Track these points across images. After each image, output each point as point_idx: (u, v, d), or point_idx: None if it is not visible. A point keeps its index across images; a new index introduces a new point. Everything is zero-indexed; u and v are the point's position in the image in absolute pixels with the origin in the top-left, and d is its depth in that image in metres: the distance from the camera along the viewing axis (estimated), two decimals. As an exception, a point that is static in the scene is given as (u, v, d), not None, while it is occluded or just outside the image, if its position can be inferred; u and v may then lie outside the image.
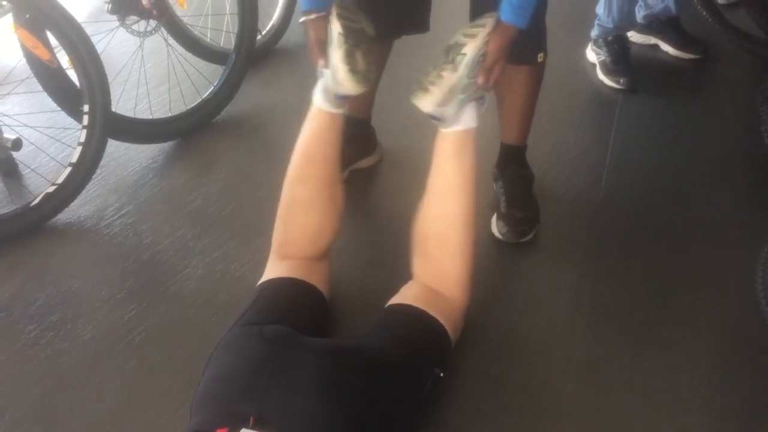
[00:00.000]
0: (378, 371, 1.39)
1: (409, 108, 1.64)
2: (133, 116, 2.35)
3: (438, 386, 1.48)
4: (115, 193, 2.18)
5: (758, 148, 2.28)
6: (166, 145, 2.40)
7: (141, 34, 2.29)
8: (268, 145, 2.42)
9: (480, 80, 1.56)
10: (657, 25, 2.84)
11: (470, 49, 1.54)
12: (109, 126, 2.14)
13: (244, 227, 2.03)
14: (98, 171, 2.15)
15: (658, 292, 1.81)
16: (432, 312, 1.55)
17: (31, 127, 2.29)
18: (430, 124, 1.65)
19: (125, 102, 2.46)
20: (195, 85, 2.56)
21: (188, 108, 2.45)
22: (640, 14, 2.79)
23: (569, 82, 2.70)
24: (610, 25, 2.65)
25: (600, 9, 2.67)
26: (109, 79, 2.13)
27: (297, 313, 1.56)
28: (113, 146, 2.28)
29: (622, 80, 2.62)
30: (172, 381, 1.59)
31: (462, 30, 1.58)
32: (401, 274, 1.72)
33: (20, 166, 2.28)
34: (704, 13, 2.75)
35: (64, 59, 2.11)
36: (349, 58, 1.60)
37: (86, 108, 2.07)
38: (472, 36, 1.55)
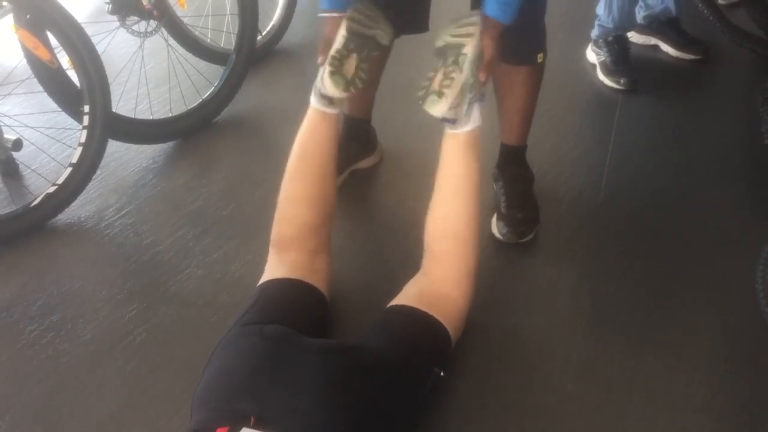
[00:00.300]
0: (378, 371, 1.39)
1: (409, 108, 1.65)
2: (133, 117, 2.35)
3: (438, 386, 1.48)
4: (115, 193, 2.18)
5: (758, 148, 2.28)
6: (167, 146, 2.40)
7: (141, 35, 2.29)
8: (269, 145, 2.42)
9: (482, 77, 1.56)
10: (657, 25, 2.84)
11: (470, 48, 1.55)
12: (110, 126, 2.14)
13: (244, 227, 2.03)
14: (98, 171, 2.15)
15: (658, 292, 1.81)
16: (433, 312, 1.55)
17: (31, 128, 2.30)
18: (429, 124, 1.65)
19: (126, 102, 2.46)
20: (195, 85, 2.56)
21: (189, 108, 2.45)
22: (640, 15, 2.79)
23: (569, 83, 2.70)
24: (611, 26, 2.65)
25: (600, 9, 2.67)
26: (110, 80, 2.13)
27: (297, 313, 1.56)
28: (113, 147, 2.28)
29: (622, 81, 2.62)
30: (172, 381, 1.59)
31: (449, 31, 1.59)
32: (401, 274, 1.72)
33: (21, 166, 2.28)
34: (705, 11, 2.75)
35: (64, 60, 2.11)
36: (338, 60, 1.61)
37: (87, 108, 2.08)
38: (468, 35, 1.56)
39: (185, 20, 2.67)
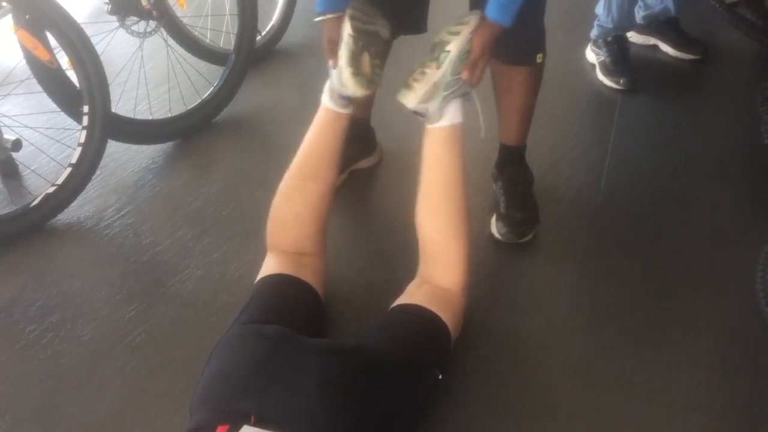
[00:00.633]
0: (378, 371, 1.39)
1: (409, 109, 1.64)
2: (132, 117, 2.35)
3: (437, 387, 1.48)
4: (114, 193, 2.18)
5: (758, 148, 2.28)
6: (166, 146, 2.40)
7: (141, 35, 2.29)
8: (268, 145, 2.42)
9: (463, 76, 1.57)
10: (656, 25, 2.84)
11: (454, 46, 1.56)
12: (109, 127, 2.14)
13: (243, 227, 2.03)
14: (98, 172, 2.15)
15: (658, 292, 1.82)
16: (436, 310, 1.56)
17: (30, 128, 2.30)
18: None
19: (125, 103, 2.46)
20: (195, 85, 2.56)
21: (188, 109, 2.45)
22: (639, 15, 2.79)
23: (569, 83, 2.70)
24: (610, 26, 2.65)
25: (599, 9, 2.67)
26: (109, 80, 2.13)
27: (293, 311, 1.57)
28: (113, 147, 2.28)
29: (621, 80, 2.62)
30: (172, 381, 1.59)
31: (447, 27, 1.60)
32: (400, 274, 1.73)
33: (20, 166, 2.28)
34: (712, 1, 2.75)
35: (63, 60, 2.11)
36: (354, 60, 1.62)
37: (86, 109, 2.08)
38: (456, 33, 1.56)
39: (185, 20, 2.67)
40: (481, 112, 1.68)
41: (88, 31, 2.08)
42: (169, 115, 2.44)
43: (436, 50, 1.59)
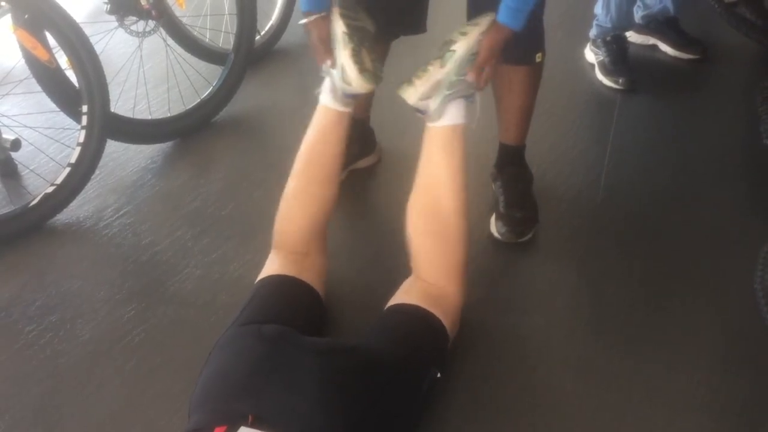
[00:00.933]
0: (377, 371, 1.39)
1: (408, 108, 1.64)
2: (132, 116, 2.35)
3: (436, 386, 1.48)
4: (114, 193, 2.18)
5: (757, 147, 2.28)
6: (165, 146, 2.40)
7: (140, 35, 2.29)
8: (267, 145, 2.41)
9: (469, 77, 1.56)
10: (655, 25, 2.84)
11: (460, 46, 1.55)
12: (108, 126, 2.14)
13: (242, 227, 2.03)
14: (97, 171, 2.15)
15: (658, 292, 1.82)
16: (432, 309, 1.55)
17: (30, 128, 2.29)
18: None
19: (124, 102, 2.46)
20: (194, 85, 2.56)
21: (187, 108, 2.45)
22: (638, 14, 2.79)
23: (568, 82, 2.70)
24: (609, 26, 2.65)
25: (598, 9, 2.67)
26: (108, 80, 2.13)
27: (293, 312, 1.57)
28: (112, 147, 2.28)
29: (620, 80, 2.62)
30: (171, 381, 1.59)
31: (461, 27, 1.59)
32: (399, 273, 1.72)
33: (19, 166, 2.28)
34: (711, 1, 2.75)
35: (62, 60, 2.10)
36: (357, 56, 1.62)
37: (85, 108, 2.07)
38: (465, 34, 1.56)
39: (184, 20, 2.67)
40: (478, 106, 1.68)
41: (87, 30, 2.08)
42: (168, 114, 2.44)
43: (441, 49, 1.58)
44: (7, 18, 1.98)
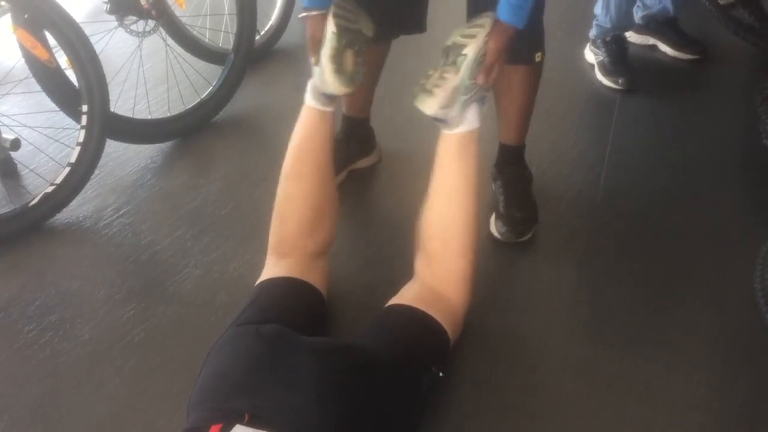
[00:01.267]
0: (374, 370, 1.39)
1: (408, 108, 1.64)
2: (131, 116, 2.35)
3: (437, 386, 1.48)
4: (113, 193, 2.18)
5: (757, 148, 2.28)
6: (165, 146, 2.40)
7: (140, 34, 2.29)
8: (267, 145, 2.41)
9: (480, 80, 1.56)
10: (655, 25, 2.84)
11: (471, 50, 1.54)
12: (108, 126, 2.14)
13: (242, 227, 2.03)
14: (97, 171, 2.15)
15: (657, 292, 1.82)
16: (431, 312, 1.55)
17: (29, 127, 2.29)
18: (428, 124, 1.65)
19: (124, 102, 2.46)
20: (194, 85, 2.56)
21: (187, 108, 2.45)
22: (638, 15, 2.79)
23: (568, 83, 2.70)
24: (608, 26, 2.65)
25: (598, 9, 2.67)
26: (108, 79, 2.13)
27: (295, 313, 1.56)
28: (112, 146, 2.28)
29: (620, 80, 2.62)
30: (171, 381, 1.59)
31: (459, 31, 1.58)
32: (399, 273, 1.72)
33: (19, 166, 2.28)
34: (707, 4, 2.75)
35: (62, 59, 2.10)
36: (337, 58, 1.62)
37: (85, 108, 2.07)
38: (472, 36, 1.55)
39: (184, 20, 2.67)
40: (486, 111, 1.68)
41: (87, 30, 2.08)
42: (168, 114, 2.44)
43: (451, 54, 1.56)
44: (7, 17, 1.98)
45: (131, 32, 2.27)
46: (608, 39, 2.68)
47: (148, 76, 2.58)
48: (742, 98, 2.58)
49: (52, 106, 2.20)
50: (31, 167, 2.26)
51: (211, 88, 2.51)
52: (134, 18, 2.25)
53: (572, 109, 2.57)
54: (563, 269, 1.89)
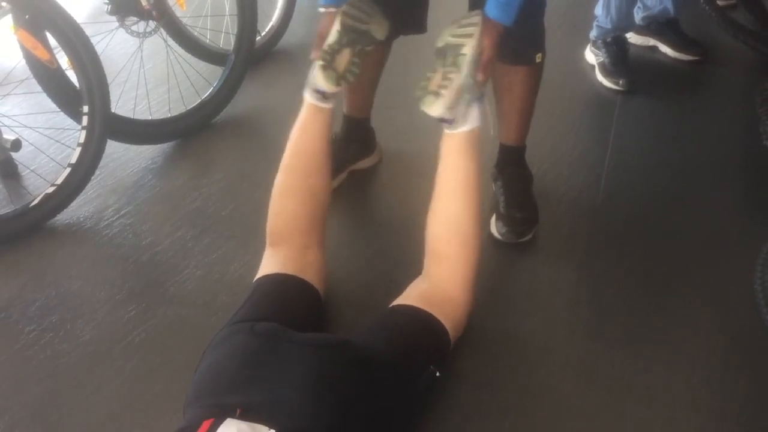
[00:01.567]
0: (369, 366, 1.39)
1: (409, 109, 1.65)
2: (132, 117, 2.35)
3: (435, 386, 1.48)
4: (114, 193, 2.18)
5: (757, 149, 2.28)
6: (166, 146, 2.40)
7: (140, 35, 2.29)
8: (268, 146, 2.41)
9: (479, 77, 1.56)
10: (656, 26, 2.84)
11: (469, 48, 1.55)
12: (109, 127, 2.14)
13: (243, 228, 2.03)
14: (97, 172, 2.15)
15: (657, 293, 1.82)
16: (434, 312, 1.55)
17: (30, 128, 2.30)
18: (429, 125, 1.65)
19: (124, 103, 2.46)
20: (194, 86, 2.56)
21: (188, 109, 2.45)
22: (638, 16, 2.79)
23: (568, 83, 2.70)
24: (609, 27, 2.66)
25: (599, 10, 2.68)
26: (109, 80, 2.13)
27: (291, 310, 1.57)
28: (112, 147, 2.28)
29: (621, 81, 2.62)
30: (171, 382, 1.59)
31: (449, 31, 1.59)
32: (400, 273, 1.72)
33: (19, 166, 2.28)
34: (707, 8, 2.75)
35: (63, 60, 2.10)
36: (330, 54, 1.62)
37: (85, 109, 2.07)
38: (468, 36, 1.56)
39: (184, 21, 2.67)
40: (489, 112, 1.67)
41: (88, 31, 2.08)
42: (169, 115, 2.44)
43: (449, 55, 1.57)
44: (8, 18, 1.98)
45: (132, 33, 2.27)
46: (609, 40, 2.69)
47: (148, 76, 2.59)
48: (742, 99, 2.58)
49: (53, 106, 2.20)
50: (31, 168, 2.26)
51: (212, 88, 2.51)
52: (135, 19, 2.25)
53: (573, 110, 2.57)
54: (563, 270, 1.89)
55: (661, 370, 1.61)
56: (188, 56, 2.67)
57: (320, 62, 1.64)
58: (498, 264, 1.91)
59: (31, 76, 2.14)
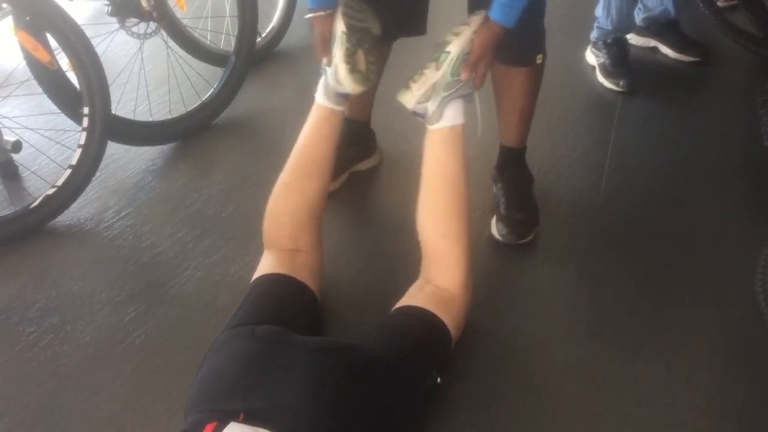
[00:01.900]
0: (371, 370, 1.39)
1: (408, 111, 1.64)
2: (132, 118, 2.35)
3: (435, 388, 1.48)
4: (114, 195, 2.18)
5: (758, 150, 2.28)
6: (166, 148, 2.40)
7: (141, 37, 2.29)
8: (268, 147, 2.42)
9: (463, 76, 1.57)
10: (656, 27, 2.84)
11: (454, 47, 1.56)
12: (109, 128, 2.14)
13: (243, 229, 2.03)
14: (98, 173, 2.15)
15: (658, 294, 1.81)
16: (439, 313, 1.56)
17: (30, 130, 2.30)
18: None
19: (125, 104, 2.46)
20: (195, 87, 2.56)
21: (188, 110, 2.45)
22: (639, 17, 2.79)
23: (569, 84, 2.70)
24: (609, 28, 2.66)
25: (599, 11, 2.67)
26: (109, 82, 2.13)
27: (287, 310, 1.57)
28: (113, 148, 2.28)
29: (621, 82, 2.62)
30: (172, 383, 1.59)
31: (452, 28, 1.60)
32: (400, 275, 1.72)
33: (20, 168, 2.28)
34: (707, 12, 2.75)
35: (64, 61, 2.11)
36: (350, 57, 1.63)
37: (86, 110, 2.07)
38: (458, 34, 1.56)
39: (185, 22, 2.67)
40: (479, 112, 1.68)
41: (89, 32, 2.08)
42: (169, 116, 2.44)
43: (436, 50, 1.59)
44: (9, 20, 1.99)
45: (132, 34, 2.27)
46: (609, 41, 2.68)
47: (149, 78, 2.59)
48: (742, 100, 2.58)
49: (54, 108, 2.20)
50: (32, 169, 2.27)
51: (213, 90, 2.51)
52: (135, 20, 2.26)
53: (573, 111, 2.57)
54: (564, 271, 1.88)
55: (661, 371, 1.61)
56: (189, 57, 2.68)
57: (347, 66, 1.62)
58: (498, 265, 1.91)
59: (32, 77, 2.14)
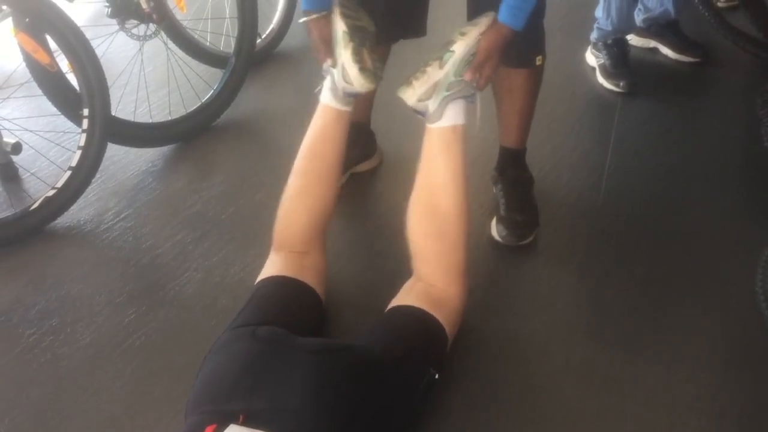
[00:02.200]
0: (370, 371, 1.39)
1: (409, 112, 1.64)
2: (132, 120, 2.35)
3: (434, 387, 1.48)
4: (114, 196, 2.18)
5: (758, 150, 2.28)
6: (166, 149, 2.40)
7: (141, 38, 2.29)
8: (268, 148, 2.42)
9: (467, 77, 1.56)
10: (656, 28, 2.84)
11: (459, 47, 1.55)
12: (109, 130, 2.14)
13: (243, 231, 2.03)
14: (98, 175, 2.15)
15: (658, 295, 1.81)
16: (434, 312, 1.55)
17: (30, 131, 2.30)
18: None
19: (125, 106, 2.46)
20: (195, 88, 2.56)
21: (188, 112, 2.45)
22: (639, 17, 2.79)
23: (569, 85, 2.70)
24: (609, 29, 2.66)
25: (599, 12, 2.67)
26: (109, 83, 2.13)
27: (291, 312, 1.57)
28: (113, 150, 2.28)
29: (621, 83, 2.62)
30: (172, 385, 1.59)
31: (459, 28, 1.59)
32: (400, 276, 1.72)
33: (20, 170, 2.28)
34: (706, 14, 2.75)
35: (63, 63, 2.11)
36: (358, 56, 1.62)
37: (86, 112, 2.08)
38: (464, 34, 1.56)
39: (185, 23, 2.67)
40: (478, 108, 1.67)
41: (88, 34, 2.08)
42: (169, 118, 2.44)
43: (441, 49, 1.58)
44: (8, 21, 1.99)
45: (132, 36, 2.27)
46: (609, 42, 2.69)
47: (149, 79, 2.59)
48: (743, 101, 2.58)
49: (53, 109, 2.20)
50: (32, 171, 2.27)
51: (213, 91, 2.51)
52: (135, 22, 2.26)
53: (573, 112, 2.57)
54: (564, 272, 1.88)
55: (662, 372, 1.61)
56: (189, 59, 2.68)
57: (357, 65, 1.61)
58: (498, 267, 1.91)
59: (32, 79, 2.14)
